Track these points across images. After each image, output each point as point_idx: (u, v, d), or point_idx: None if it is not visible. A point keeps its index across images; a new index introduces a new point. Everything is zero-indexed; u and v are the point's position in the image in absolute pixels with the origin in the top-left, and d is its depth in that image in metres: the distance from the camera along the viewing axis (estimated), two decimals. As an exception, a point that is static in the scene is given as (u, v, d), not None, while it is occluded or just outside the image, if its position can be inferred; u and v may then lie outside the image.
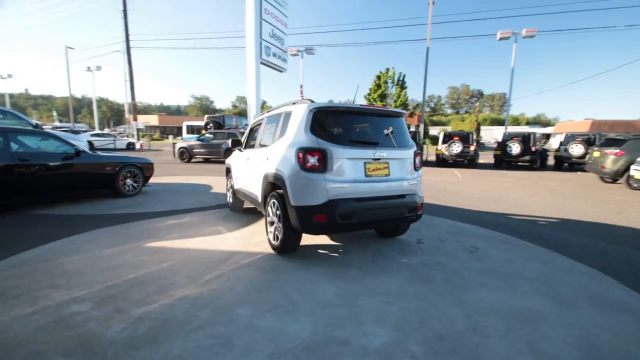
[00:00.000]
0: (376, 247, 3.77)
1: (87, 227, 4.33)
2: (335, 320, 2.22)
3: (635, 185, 8.11)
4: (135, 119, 23.91)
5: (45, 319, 2.14)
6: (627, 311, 2.46)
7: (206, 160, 16.04)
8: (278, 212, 3.38)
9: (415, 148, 3.58)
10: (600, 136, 13.61)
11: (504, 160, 14.87)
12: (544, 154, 15.22)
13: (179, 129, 56.30)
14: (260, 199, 3.93)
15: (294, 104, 3.71)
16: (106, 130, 35.35)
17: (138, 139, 24.69)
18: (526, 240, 4.21)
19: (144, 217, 4.96)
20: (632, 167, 7.90)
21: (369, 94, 35.28)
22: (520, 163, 14.82)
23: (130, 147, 24.10)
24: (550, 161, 16.18)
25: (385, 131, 3.37)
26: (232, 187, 5.48)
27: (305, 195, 3.02)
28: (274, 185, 3.55)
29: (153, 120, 52.26)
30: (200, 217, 5.09)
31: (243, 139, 5.14)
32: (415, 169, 3.57)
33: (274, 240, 3.52)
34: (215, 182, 8.91)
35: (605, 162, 9.07)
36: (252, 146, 4.89)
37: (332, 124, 3.19)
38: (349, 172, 3.12)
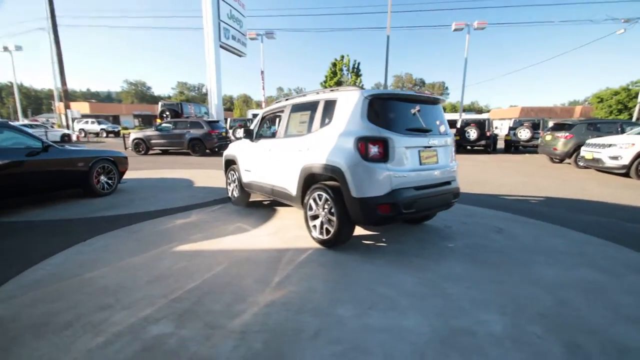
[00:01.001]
0: (413, 234, 3.83)
1: (83, 233, 3.72)
2: (441, 311, 2.21)
3: (582, 164, 9.34)
4: (67, 107, 20.93)
5: (131, 347, 1.80)
6: (661, 274, 2.84)
7: (164, 152, 14.75)
8: (327, 205, 3.24)
9: (453, 136, 3.66)
10: (544, 121, 15.36)
11: (462, 145, 16.04)
12: (495, 138, 16.75)
13: (115, 117, 50.94)
14: (295, 193, 3.72)
15: (332, 90, 3.53)
16: (26, 121, 30.57)
17: (73, 130, 21.75)
18: (533, 218, 4.61)
19: (142, 219, 4.40)
20: (583, 148, 9.06)
21: (325, 81, 35.29)
22: (476, 147, 16.14)
23: (65, 139, 21.13)
24: (500, 145, 17.89)
25: (412, 110, 3.22)
26: (237, 180, 5.11)
27: (368, 186, 2.92)
28: (319, 177, 3.39)
29: (83, 108, 46.23)
30: (209, 215, 4.68)
31: (253, 128, 4.78)
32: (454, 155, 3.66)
33: (321, 234, 3.38)
34: (192, 176, 8.26)
35: (557, 145, 10.28)
36: (270, 136, 4.60)
37: (387, 112, 3.10)
38: (408, 160, 3.09)
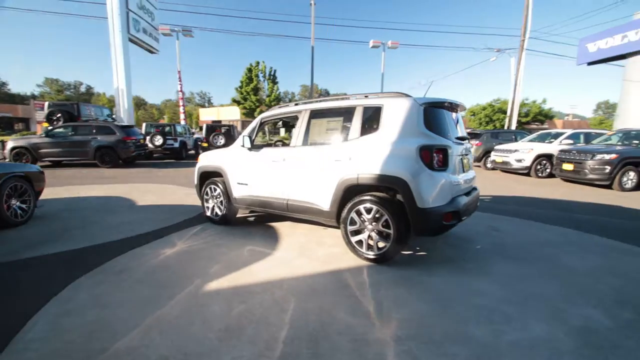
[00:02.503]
0: (434, 240, 3.89)
1: (40, 284, 2.64)
2: (549, 313, 2.27)
3: (490, 166, 11.25)
4: None
5: None
6: (630, 253, 3.56)
7: (57, 165, 11.76)
8: (379, 217, 3.02)
9: None
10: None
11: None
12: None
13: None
14: (327, 207, 3.37)
15: (366, 97, 3.36)
16: None
17: None
18: (503, 215, 5.26)
19: (107, 254, 3.34)
20: (493, 153, 10.94)
21: (241, 87, 34.10)
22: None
23: None
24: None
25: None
26: (223, 195, 4.38)
27: (435, 195, 2.84)
28: (368, 188, 3.15)
29: None
30: (197, 239, 3.87)
31: (248, 135, 4.14)
32: None
33: (370, 249, 3.13)
34: (123, 193, 6.79)
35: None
36: (277, 144, 4.08)
37: (439, 120, 3.09)
38: (457, 168, 3.14)
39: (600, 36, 18.44)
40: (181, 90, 21.68)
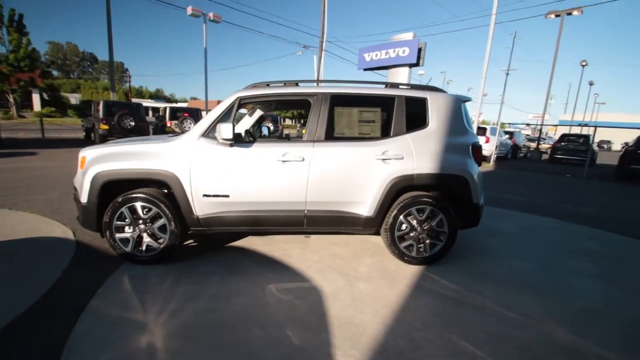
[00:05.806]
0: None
1: None
2: (554, 250, 3.03)
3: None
4: None
5: None
6: (508, 215, 5.25)
7: None
8: (431, 217, 2.90)
9: None
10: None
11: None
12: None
13: None
14: (371, 213, 2.86)
15: (397, 87, 3.07)
16: None
17: None
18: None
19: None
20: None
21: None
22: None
23: None
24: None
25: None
26: (170, 216, 2.75)
27: (481, 190, 3.04)
28: (419, 188, 2.94)
29: None
30: (171, 300, 2.33)
31: (224, 121, 2.71)
32: None
33: (419, 253, 2.96)
34: None
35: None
36: (285, 138, 2.93)
37: (468, 116, 3.22)
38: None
39: (372, 49, 24.30)
40: None
